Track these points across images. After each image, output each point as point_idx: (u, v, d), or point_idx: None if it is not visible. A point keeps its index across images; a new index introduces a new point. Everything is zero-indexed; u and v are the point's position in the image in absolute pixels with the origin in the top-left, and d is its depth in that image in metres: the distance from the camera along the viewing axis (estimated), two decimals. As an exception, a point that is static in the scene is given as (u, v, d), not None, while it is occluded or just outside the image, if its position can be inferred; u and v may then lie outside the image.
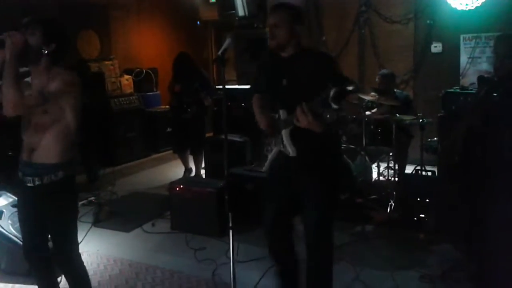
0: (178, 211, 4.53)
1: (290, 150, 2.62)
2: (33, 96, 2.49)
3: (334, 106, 2.23)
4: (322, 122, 2.38)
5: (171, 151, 6.89)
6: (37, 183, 2.55)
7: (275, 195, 2.90)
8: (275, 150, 2.80)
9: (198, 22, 9.45)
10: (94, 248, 4.17)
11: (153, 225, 4.70)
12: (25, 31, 2.48)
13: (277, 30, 2.66)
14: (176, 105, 5.99)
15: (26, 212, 2.70)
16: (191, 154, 6.15)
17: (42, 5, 6.44)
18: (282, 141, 2.67)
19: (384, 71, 5.52)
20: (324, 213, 2.78)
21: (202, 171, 6.12)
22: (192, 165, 6.20)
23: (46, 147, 2.54)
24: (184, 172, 6.17)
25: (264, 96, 2.91)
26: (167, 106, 7.11)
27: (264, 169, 2.93)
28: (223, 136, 2.94)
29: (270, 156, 2.85)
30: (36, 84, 2.55)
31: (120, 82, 7.64)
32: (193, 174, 6.16)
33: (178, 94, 5.91)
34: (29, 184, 2.57)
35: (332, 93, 2.21)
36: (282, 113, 2.65)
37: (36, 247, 2.75)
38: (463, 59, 6.21)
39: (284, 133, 2.65)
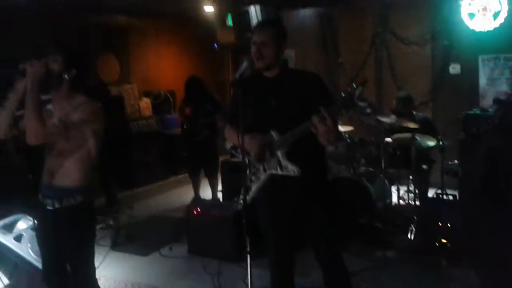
0: (195, 235, 4.51)
1: (294, 169, 2.54)
2: (55, 126, 2.52)
3: (362, 104, 2.24)
4: (337, 129, 2.38)
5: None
6: (56, 206, 2.59)
7: (276, 227, 2.80)
8: (265, 174, 2.69)
9: (215, 45, 9.55)
10: (112, 272, 4.16)
11: (170, 249, 4.68)
12: (45, 57, 2.53)
13: (264, 49, 2.60)
14: (188, 128, 6.01)
15: (46, 235, 2.72)
16: (205, 176, 6.15)
17: (62, 29, 6.59)
18: (280, 163, 2.59)
19: (401, 93, 5.49)
20: (333, 229, 2.78)
21: (219, 194, 6.10)
22: (205, 190, 6.18)
23: (66, 171, 2.58)
24: (193, 198, 6.12)
25: (236, 127, 2.75)
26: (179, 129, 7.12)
27: (249, 197, 2.77)
28: (239, 159, 2.91)
29: (258, 183, 2.72)
30: (57, 111, 2.60)
31: (139, 105, 7.73)
32: (210, 197, 6.14)
33: (190, 117, 5.94)
34: (48, 207, 2.61)
35: (358, 91, 2.23)
36: (274, 135, 2.59)
37: (55, 271, 2.76)
38: (482, 80, 6.15)
39: (281, 154, 2.58)
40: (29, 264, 3.65)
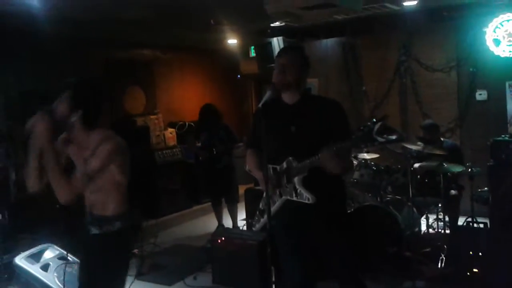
0: (220, 264, 4.47)
1: (309, 197, 2.54)
2: (80, 181, 2.52)
3: (380, 139, 2.23)
4: (347, 164, 2.43)
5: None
6: (97, 232, 2.64)
7: (294, 252, 2.74)
8: (280, 200, 2.70)
9: (239, 76, 9.68)
10: (136, 302, 4.13)
11: (194, 278, 4.65)
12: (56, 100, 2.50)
13: (287, 68, 2.63)
14: (206, 157, 6.01)
15: (88, 260, 2.75)
16: (226, 203, 6.13)
17: (90, 63, 6.79)
18: (295, 189, 2.59)
19: (426, 122, 5.43)
20: (355, 258, 2.75)
21: (243, 222, 6.06)
22: (228, 219, 6.16)
23: (101, 203, 2.62)
24: (217, 227, 6.10)
25: (258, 152, 2.84)
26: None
27: (263, 220, 2.80)
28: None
29: (274, 207, 2.71)
30: (77, 149, 2.56)
31: (164, 135, 7.83)
32: (230, 226, 6.12)
33: (205, 146, 5.96)
34: (91, 232, 2.67)
35: (377, 127, 2.22)
36: (292, 161, 2.60)
37: None
38: (510, 106, 6.05)
39: (297, 180, 2.58)
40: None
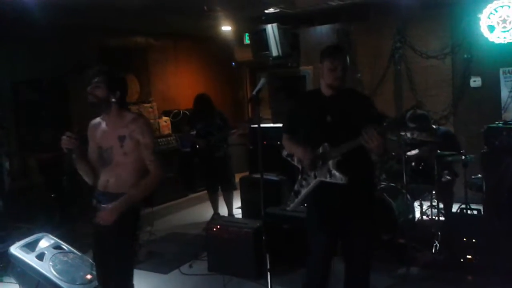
0: (215, 252, 4.49)
1: (342, 177, 2.76)
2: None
3: (412, 125, 2.66)
4: (386, 144, 2.66)
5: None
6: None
7: (321, 227, 2.94)
8: (315, 181, 2.91)
9: (233, 63, 9.64)
10: (132, 290, 4.14)
11: (190, 266, 4.67)
12: (89, 84, 2.79)
13: (342, 72, 2.85)
14: (202, 146, 6.01)
15: (100, 240, 2.88)
16: (222, 191, 6.15)
17: (84, 51, 6.73)
18: (330, 171, 2.81)
19: (414, 113, 5.40)
20: (370, 243, 3.01)
21: (238, 211, 6.08)
22: (224, 207, 6.18)
23: (121, 179, 2.81)
24: (213, 215, 6.13)
25: (294, 136, 3.09)
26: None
27: (297, 200, 3.04)
28: (259, 175, 2.94)
29: (308, 188, 2.95)
30: (111, 130, 2.84)
31: (158, 123, 7.81)
32: (226, 214, 6.13)
33: (202, 135, 5.97)
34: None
35: (409, 114, 2.55)
36: (327, 147, 2.83)
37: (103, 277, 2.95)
38: (504, 93, 6.05)
39: (332, 163, 2.81)
40: (51, 282, 3.67)
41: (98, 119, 2.94)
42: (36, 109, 5.84)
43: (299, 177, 3.05)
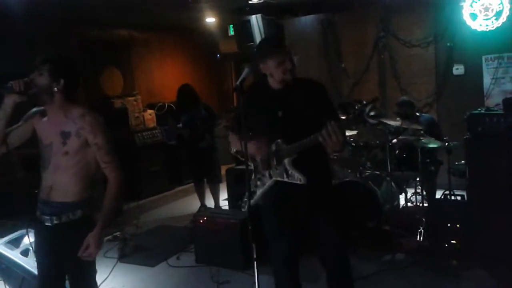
0: (202, 244, 4.49)
1: (300, 177, 2.61)
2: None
3: (372, 121, 2.37)
4: (344, 140, 2.51)
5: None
6: (55, 222, 2.49)
7: (282, 228, 2.82)
8: (271, 181, 2.77)
9: (218, 55, 9.60)
10: (120, 284, 4.14)
11: (178, 258, 4.67)
12: (33, 72, 2.49)
13: (289, 65, 2.67)
14: (188, 137, 5.99)
15: (45, 252, 2.60)
16: (208, 183, 6.14)
17: (66, 44, 6.64)
18: (286, 170, 2.66)
19: (401, 99, 5.46)
20: (343, 237, 2.85)
21: (225, 203, 6.08)
22: (211, 199, 6.18)
23: (65, 185, 2.49)
24: (200, 208, 6.12)
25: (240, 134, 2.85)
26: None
27: (252, 202, 2.83)
28: (244, 166, 2.92)
29: (263, 189, 2.80)
30: (53, 124, 2.52)
31: (143, 116, 7.76)
32: (212, 206, 6.13)
33: (188, 126, 5.94)
34: (47, 224, 2.51)
35: (368, 109, 2.34)
36: (281, 144, 2.67)
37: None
38: (486, 80, 6.12)
39: (288, 162, 2.65)
40: (36, 278, 3.63)
41: (43, 108, 2.57)
42: (18, 104, 5.74)
43: (253, 176, 2.87)
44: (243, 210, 3.10)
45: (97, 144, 2.48)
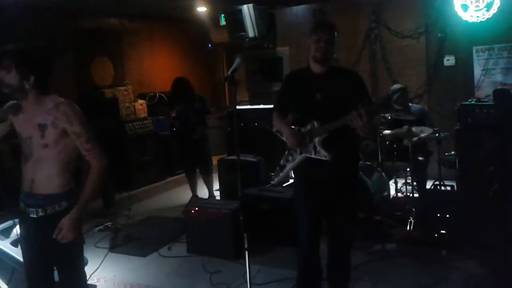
0: (194, 234, 4.50)
1: (326, 154, 2.84)
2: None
3: (398, 107, 2.67)
4: (371, 125, 2.70)
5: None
6: (40, 214, 2.45)
7: (309, 202, 3.01)
8: (301, 157, 2.98)
9: (209, 45, 9.55)
10: (111, 274, 4.14)
11: (169, 249, 4.67)
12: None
13: (325, 44, 2.86)
14: (180, 128, 5.98)
15: (30, 244, 2.57)
16: (200, 174, 6.15)
17: (56, 34, 6.57)
18: (315, 147, 2.89)
19: (395, 86, 5.47)
20: (353, 221, 3.16)
21: (217, 193, 6.09)
22: (202, 189, 6.18)
23: (48, 177, 2.45)
24: (191, 198, 6.12)
25: (283, 115, 3.12)
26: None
27: (282, 174, 3.12)
28: (236, 157, 2.94)
29: (293, 163, 3.03)
30: (31, 116, 2.46)
31: (134, 107, 7.70)
32: (206, 196, 6.14)
33: (181, 117, 5.93)
34: (32, 215, 2.47)
35: (395, 96, 2.60)
36: (315, 124, 2.89)
37: (42, 280, 2.61)
38: (477, 71, 6.15)
39: (318, 140, 2.88)
40: (26, 268, 3.62)
41: (17, 102, 2.50)
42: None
43: (286, 152, 3.11)
44: (272, 182, 3.44)
45: (76, 132, 2.43)
